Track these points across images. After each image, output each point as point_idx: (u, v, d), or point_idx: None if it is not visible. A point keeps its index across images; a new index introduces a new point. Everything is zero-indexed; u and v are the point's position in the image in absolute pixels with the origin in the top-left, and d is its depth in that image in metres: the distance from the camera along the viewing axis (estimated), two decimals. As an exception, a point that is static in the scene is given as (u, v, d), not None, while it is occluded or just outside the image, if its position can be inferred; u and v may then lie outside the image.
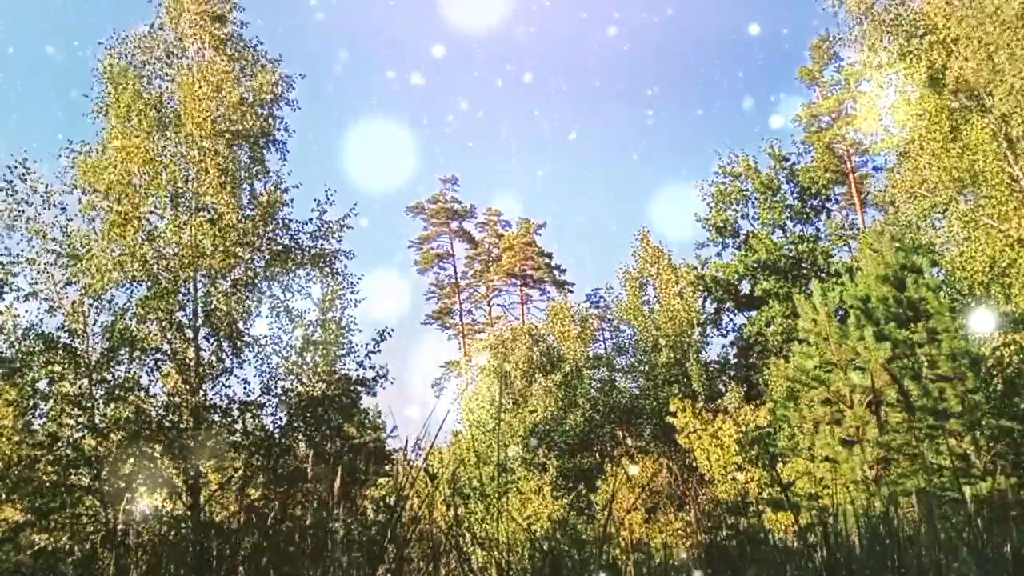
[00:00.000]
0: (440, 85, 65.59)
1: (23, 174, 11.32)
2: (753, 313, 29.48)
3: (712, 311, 31.42)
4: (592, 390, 29.66)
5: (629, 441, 28.66)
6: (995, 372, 14.14)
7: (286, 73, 14.20)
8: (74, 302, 11.38)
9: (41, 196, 11.45)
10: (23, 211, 11.32)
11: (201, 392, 11.91)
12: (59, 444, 10.39)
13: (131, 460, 10.77)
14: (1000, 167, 14.05)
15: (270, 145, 13.91)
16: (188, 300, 12.19)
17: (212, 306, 12.22)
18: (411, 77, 65.19)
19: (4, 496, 10.08)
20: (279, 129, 13.99)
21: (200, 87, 12.65)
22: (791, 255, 29.10)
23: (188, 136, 12.47)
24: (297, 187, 13.59)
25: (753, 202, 30.93)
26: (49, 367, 10.82)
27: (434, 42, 65.66)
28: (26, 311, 11.16)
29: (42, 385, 10.93)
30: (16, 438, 10.38)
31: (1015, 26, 13.26)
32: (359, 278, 13.77)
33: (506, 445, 23.88)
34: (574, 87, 67.29)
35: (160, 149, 12.45)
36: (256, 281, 12.92)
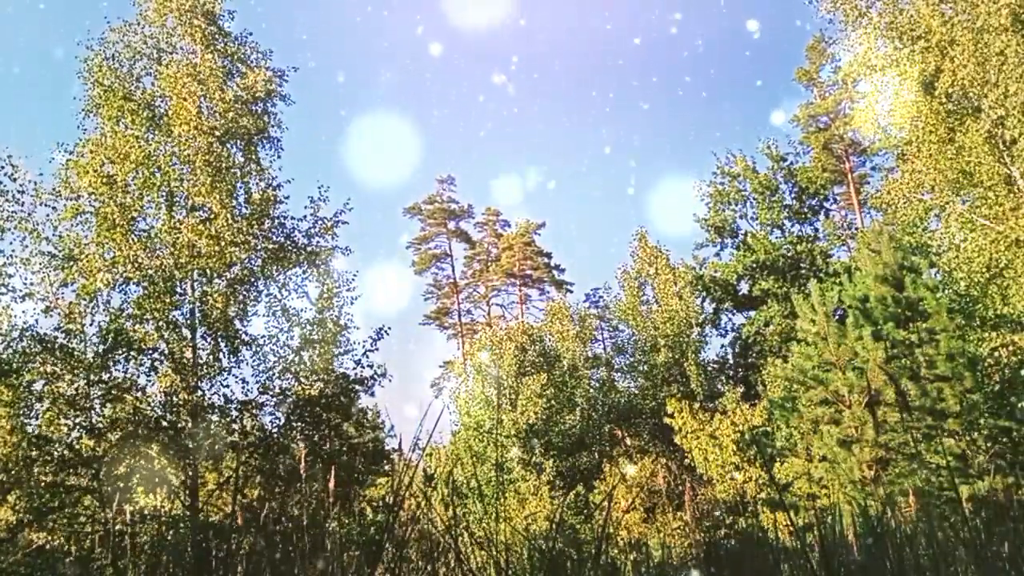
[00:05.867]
0: (439, 86, 65.60)
1: (11, 173, 11.28)
2: (752, 313, 29.51)
3: (711, 311, 31.45)
4: (591, 390, 29.68)
5: (628, 441, 28.68)
6: (992, 372, 14.16)
7: (278, 67, 14.10)
8: (70, 303, 11.36)
9: (30, 195, 11.41)
10: (16, 211, 11.28)
11: (199, 392, 11.90)
12: (56, 444, 10.37)
13: (129, 460, 10.76)
14: (996, 168, 14.06)
15: (264, 143, 13.82)
16: (184, 300, 12.17)
17: (209, 305, 12.20)
18: (410, 77, 65.21)
19: (2, 496, 10.07)
20: (273, 126, 13.88)
21: (190, 85, 12.57)
22: (789, 255, 29.14)
23: (180, 136, 12.40)
24: (290, 182, 13.57)
25: (751, 202, 30.97)
26: (45, 368, 10.80)
27: (433, 41, 65.63)
28: (23, 311, 11.15)
29: (38, 386, 10.91)
30: (13, 439, 10.36)
31: (1007, 32, 13.28)
32: (355, 275, 13.74)
33: (502, 445, 23.88)
34: (573, 87, 67.32)
35: (153, 149, 12.40)
36: (252, 280, 12.90)
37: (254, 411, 12.29)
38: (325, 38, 66.58)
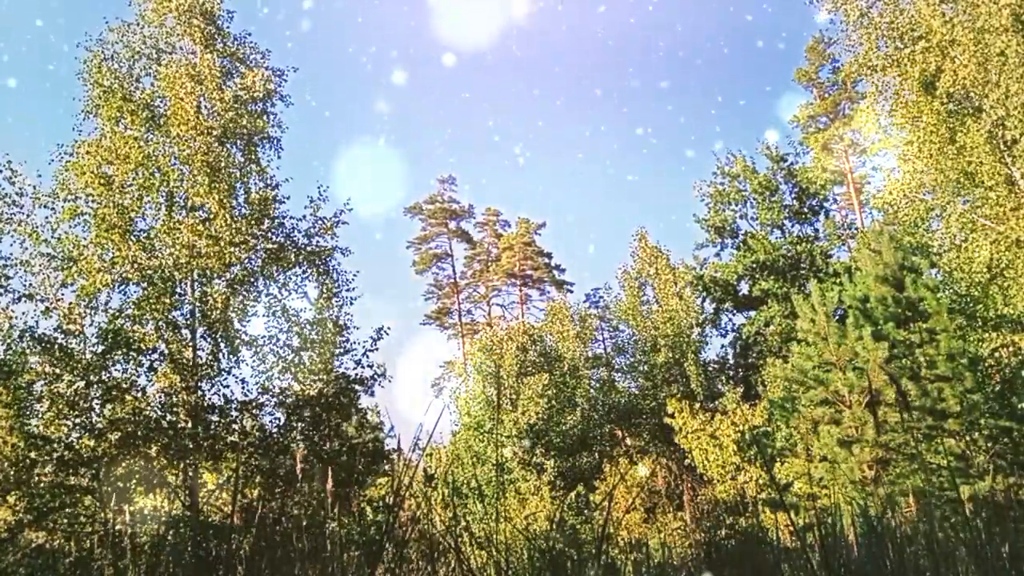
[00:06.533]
0: (438, 87, 65.63)
1: (10, 177, 11.31)
2: (752, 313, 29.49)
3: (711, 311, 31.43)
4: (591, 390, 29.68)
5: (628, 441, 28.69)
6: (993, 372, 14.16)
7: (277, 67, 14.10)
8: (70, 304, 11.37)
9: (30, 197, 11.43)
10: (14, 214, 11.31)
11: (198, 392, 11.89)
12: (56, 444, 10.37)
13: (128, 460, 10.76)
14: (997, 168, 14.05)
15: (263, 143, 13.79)
16: (184, 300, 12.16)
17: (208, 306, 12.19)
18: (410, 79, 65.22)
19: (2, 496, 10.06)
20: (273, 126, 13.85)
21: (188, 85, 12.55)
22: (789, 255, 29.12)
23: (179, 136, 12.39)
24: (288, 181, 13.57)
25: (751, 202, 30.95)
26: (45, 368, 10.80)
27: (433, 43, 65.67)
28: (23, 312, 11.16)
29: (38, 386, 10.91)
30: (13, 439, 10.36)
31: (1008, 32, 13.27)
32: (355, 275, 13.72)
33: (503, 445, 23.86)
34: (573, 88, 67.34)
35: (152, 149, 12.39)
36: (252, 280, 12.89)
37: (254, 411, 12.27)
38: (326, 37, 66.63)
